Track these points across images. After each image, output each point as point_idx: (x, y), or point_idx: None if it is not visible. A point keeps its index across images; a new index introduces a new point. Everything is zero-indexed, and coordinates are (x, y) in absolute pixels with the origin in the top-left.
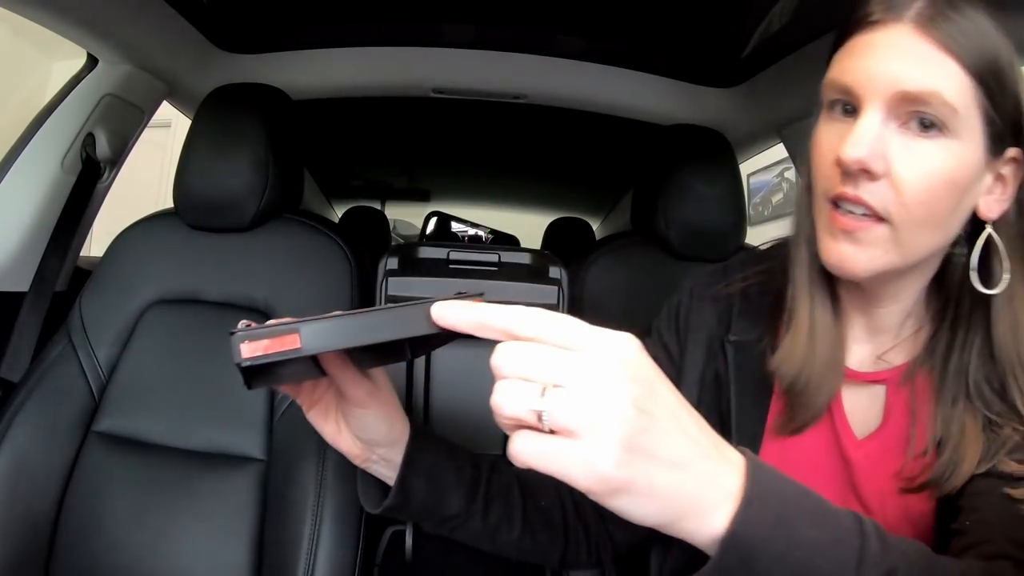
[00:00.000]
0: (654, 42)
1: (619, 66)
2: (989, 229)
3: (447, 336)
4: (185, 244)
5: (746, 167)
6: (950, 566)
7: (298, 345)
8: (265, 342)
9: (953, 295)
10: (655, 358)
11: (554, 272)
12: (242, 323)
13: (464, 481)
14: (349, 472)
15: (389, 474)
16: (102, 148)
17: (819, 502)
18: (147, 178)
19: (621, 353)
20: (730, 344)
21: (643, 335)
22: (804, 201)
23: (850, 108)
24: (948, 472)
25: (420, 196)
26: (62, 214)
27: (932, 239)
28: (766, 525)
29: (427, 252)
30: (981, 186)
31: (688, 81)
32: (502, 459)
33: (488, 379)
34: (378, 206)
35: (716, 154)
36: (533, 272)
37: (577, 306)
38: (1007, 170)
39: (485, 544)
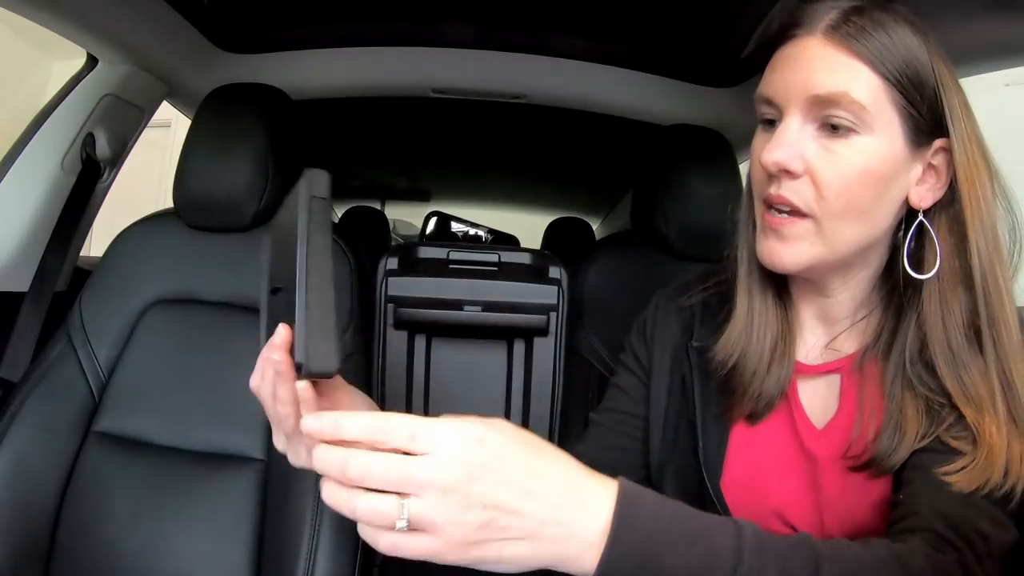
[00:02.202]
0: (654, 42)
1: (619, 66)
2: (920, 217)
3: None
4: (185, 244)
5: (746, 167)
6: (840, 561)
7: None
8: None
9: (898, 282)
10: (628, 370)
11: (554, 272)
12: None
13: None
14: None
15: None
16: (102, 148)
17: (696, 526)
18: (147, 178)
19: (462, 453)
20: (693, 350)
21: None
22: (745, 205)
23: (775, 118)
24: (890, 450)
25: (420, 196)
26: (62, 214)
27: (858, 231)
28: (632, 562)
29: (427, 252)
30: (910, 176)
31: (688, 81)
32: None
33: (487, 379)
34: (378, 206)
35: (716, 154)
36: (533, 272)
37: (577, 306)
38: (938, 160)
39: None
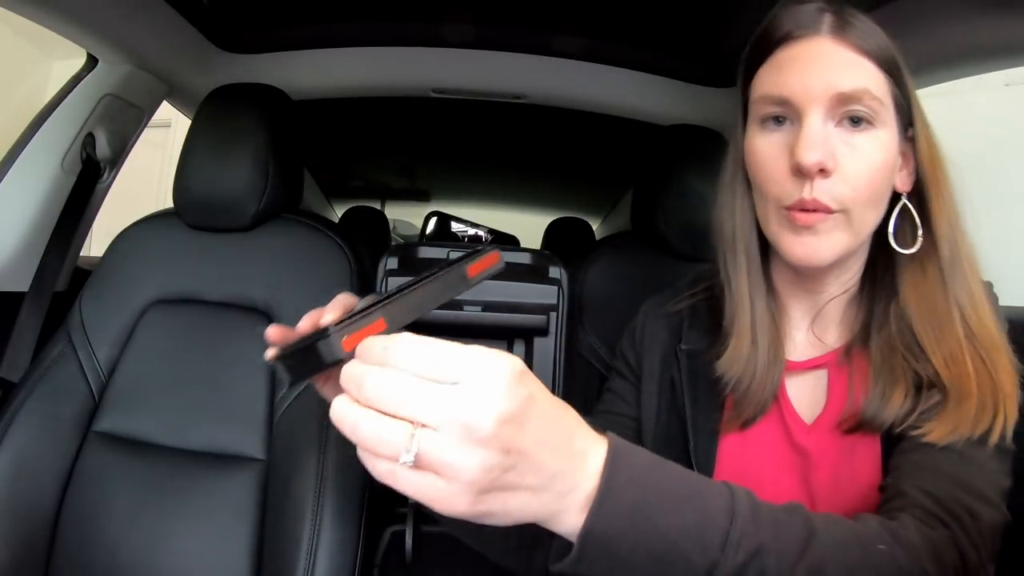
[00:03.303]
0: (654, 42)
1: (619, 66)
2: (904, 200)
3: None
4: (185, 244)
5: None
6: (834, 530)
7: (385, 327)
8: (360, 333)
9: (879, 271)
10: (620, 375)
11: (554, 272)
12: (327, 324)
13: None
14: (349, 472)
15: None
16: (102, 148)
17: (688, 485)
18: (147, 178)
19: (494, 386)
20: (682, 353)
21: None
22: (746, 210)
23: (783, 118)
24: (877, 405)
25: (420, 196)
26: (62, 214)
27: (875, 217)
28: (622, 518)
29: (427, 252)
30: (899, 163)
31: (688, 81)
32: None
33: None
34: (378, 206)
35: (716, 154)
36: (533, 272)
37: (577, 306)
38: (906, 147)
39: (473, 536)
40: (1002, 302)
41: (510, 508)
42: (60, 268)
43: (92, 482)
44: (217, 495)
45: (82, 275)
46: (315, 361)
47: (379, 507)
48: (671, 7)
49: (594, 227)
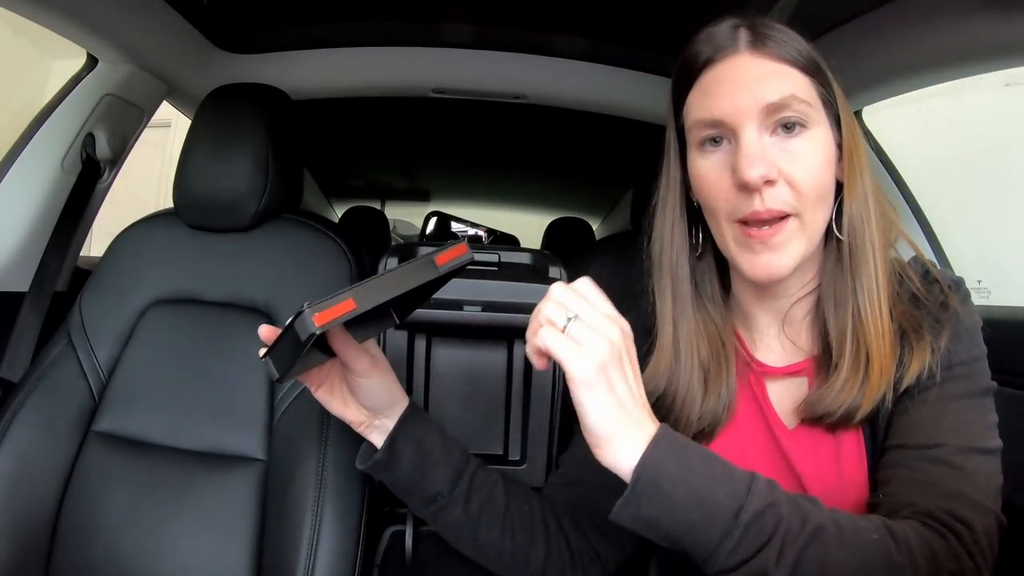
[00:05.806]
0: (654, 42)
1: (619, 66)
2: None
3: (432, 291)
4: (185, 244)
5: None
6: (834, 510)
7: (354, 306)
8: (330, 310)
9: (828, 267)
10: None
11: (554, 272)
12: (305, 304)
13: (451, 462)
14: (349, 472)
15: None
16: (102, 148)
17: (716, 456)
18: (147, 178)
19: (620, 323)
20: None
21: None
22: (671, 235)
23: (719, 139)
24: (824, 395)
25: (420, 196)
26: (62, 214)
27: (825, 213)
28: (669, 457)
29: (427, 252)
30: (836, 157)
31: None
32: (489, 462)
33: (487, 379)
34: (378, 206)
35: None
36: (533, 272)
37: None
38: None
39: (467, 541)
40: (1002, 302)
41: (609, 397)
42: (60, 268)
43: (92, 482)
44: (217, 495)
45: (82, 275)
46: (294, 342)
47: (379, 507)
48: (671, 7)
49: (594, 227)
